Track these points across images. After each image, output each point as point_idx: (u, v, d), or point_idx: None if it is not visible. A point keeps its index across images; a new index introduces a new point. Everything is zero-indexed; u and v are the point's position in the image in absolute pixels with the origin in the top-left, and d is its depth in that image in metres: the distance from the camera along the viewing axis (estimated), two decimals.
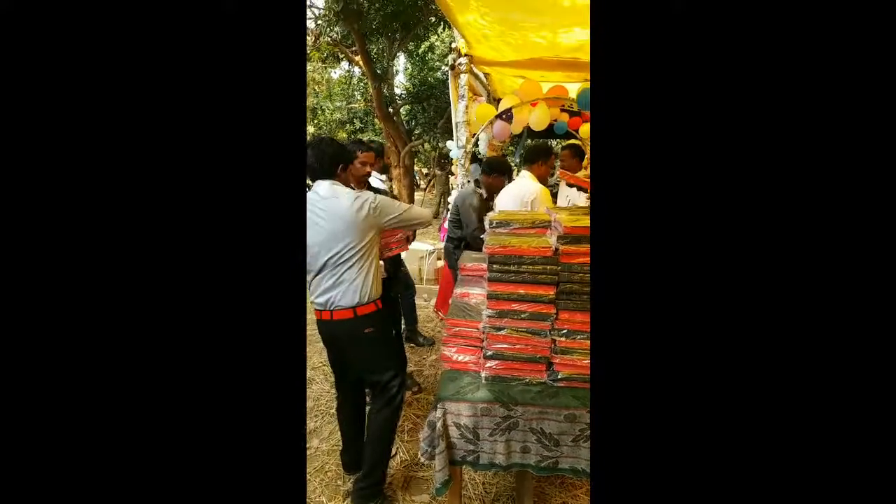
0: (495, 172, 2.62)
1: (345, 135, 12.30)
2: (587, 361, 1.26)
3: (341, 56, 9.15)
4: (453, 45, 3.39)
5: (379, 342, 1.66)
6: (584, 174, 3.12)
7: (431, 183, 12.21)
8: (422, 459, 1.31)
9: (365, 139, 3.07)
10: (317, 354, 2.95)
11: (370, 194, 1.58)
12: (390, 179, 6.37)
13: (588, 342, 1.25)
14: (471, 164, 3.12)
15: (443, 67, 10.46)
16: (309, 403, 2.47)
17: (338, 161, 1.58)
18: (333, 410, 2.38)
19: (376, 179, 2.89)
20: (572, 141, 3.75)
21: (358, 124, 12.43)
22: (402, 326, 2.81)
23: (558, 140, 6.51)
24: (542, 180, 2.53)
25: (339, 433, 2.15)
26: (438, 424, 1.25)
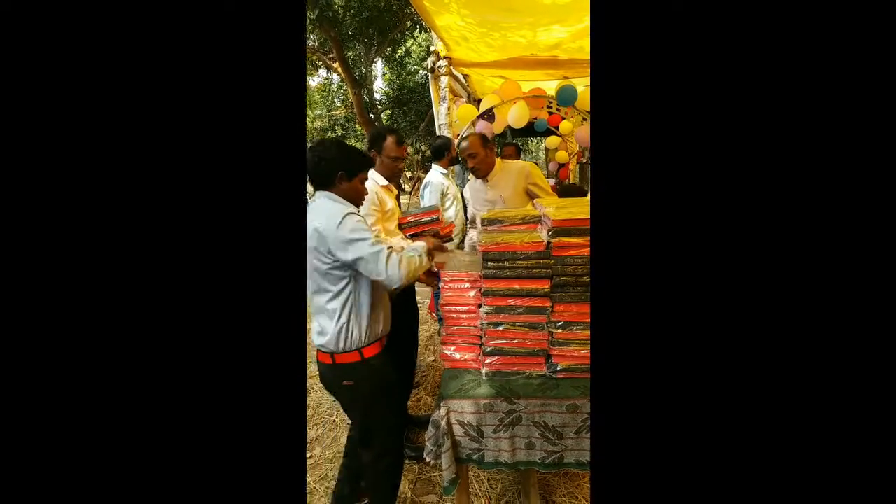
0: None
1: None
2: (585, 351, 1.28)
3: (319, 63, 9.11)
4: (431, 49, 3.41)
5: (361, 398, 1.41)
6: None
7: (416, 186, 12.21)
8: (427, 460, 1.31)
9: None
10: (315, 363, 2.93)
11: (354, 217, 1.27)
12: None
13: (585, 332, 1.27)
14: (450, 165, 3.14)
15: (421, 71, 10.48)
16: (308, 412, 2.45)
17: (339, 168, 1.31)
18: (334, 418, 2.38)
19: (438, 174, 2.86)
20: (514, 140, 3.98)
21: (340, 131, 12.39)
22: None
23: (540, 137, 6.59)
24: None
25: (340, 441, 2.15)
26: (443, 423, 1.26)
